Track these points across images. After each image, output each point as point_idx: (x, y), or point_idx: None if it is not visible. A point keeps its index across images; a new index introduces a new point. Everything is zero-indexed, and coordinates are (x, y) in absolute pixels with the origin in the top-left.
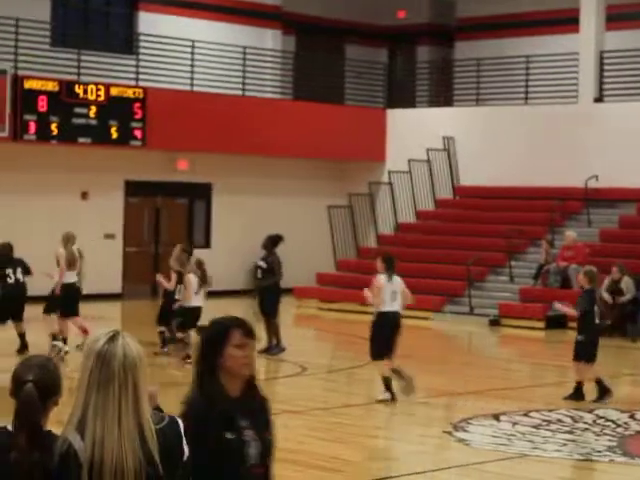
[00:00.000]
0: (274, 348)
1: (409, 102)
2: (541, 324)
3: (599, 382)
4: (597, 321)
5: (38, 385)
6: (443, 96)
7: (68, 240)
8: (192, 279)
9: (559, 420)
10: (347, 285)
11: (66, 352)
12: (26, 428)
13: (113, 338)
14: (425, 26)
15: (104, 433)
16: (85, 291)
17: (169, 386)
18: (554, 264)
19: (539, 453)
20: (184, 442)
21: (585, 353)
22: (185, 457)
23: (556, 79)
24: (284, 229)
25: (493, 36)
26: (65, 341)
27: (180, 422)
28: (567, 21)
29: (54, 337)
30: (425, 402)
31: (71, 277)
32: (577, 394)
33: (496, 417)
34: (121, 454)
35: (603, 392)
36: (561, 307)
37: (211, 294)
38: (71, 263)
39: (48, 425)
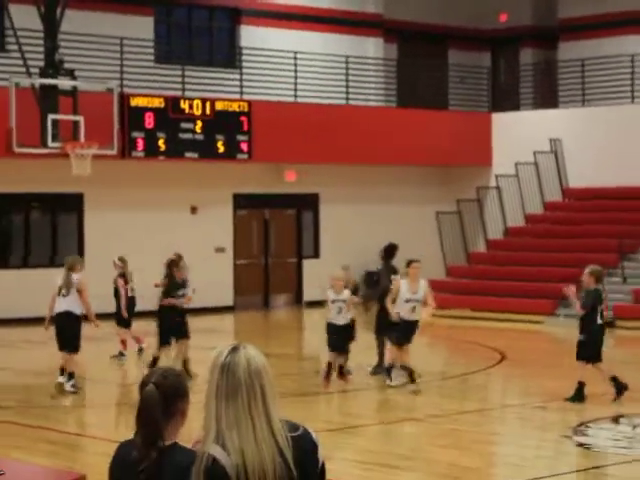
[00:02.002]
0: (378, 369)
1: (514, 105)
2: None
3: (614, 379)
4: (599, 321)
5: (159, 387)
6: (548, 98)
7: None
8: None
9: None
10: (458, 291)
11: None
12: (145, 427)
13: (235, 349)
14: (527, 28)
15: (242, 443)
16: (197, 304)
17: None
18: None
19: None
20: (319, 451)
21: (587, 353)
22: (319, 466)
23: None
24: (392, 237)
25: (596, 35)
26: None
27: (312, 431)
28: None
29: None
30: (541, 406)
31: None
32: (578, 395)
33: (615, 420)
34: (261, 462)
35: (620, 389)
36: (570, 293)
37: (320, 304)
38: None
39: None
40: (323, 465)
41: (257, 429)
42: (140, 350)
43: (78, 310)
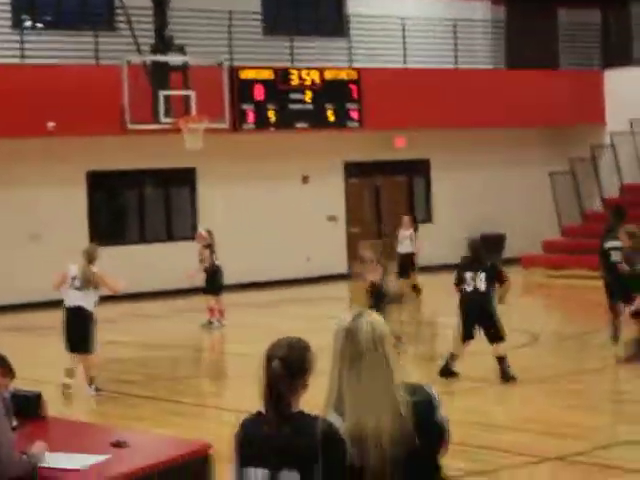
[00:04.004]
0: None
1: (626, 61)
2: None
3: None
4: None
5: (285, 362)
6: None
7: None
8: None
9: None
10: (574, 251)
11: None
12: (274, 403)
13: (359, 315)
14: None
15: (361, 406)
16: (312, 274)
17: None
18: None
19: None
20: (438, 413)
21: None
22: (439, 428)
23: None
24: (505, 200)
25: None
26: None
27: (434, 392)
28: None
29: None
30: None
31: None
32: None
33: None
34: (379, 427)
35: None
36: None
37: (435, 269)
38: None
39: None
40: (443, 427)
41: (378, 393)
42: (210, 323)
43: (91, 306)
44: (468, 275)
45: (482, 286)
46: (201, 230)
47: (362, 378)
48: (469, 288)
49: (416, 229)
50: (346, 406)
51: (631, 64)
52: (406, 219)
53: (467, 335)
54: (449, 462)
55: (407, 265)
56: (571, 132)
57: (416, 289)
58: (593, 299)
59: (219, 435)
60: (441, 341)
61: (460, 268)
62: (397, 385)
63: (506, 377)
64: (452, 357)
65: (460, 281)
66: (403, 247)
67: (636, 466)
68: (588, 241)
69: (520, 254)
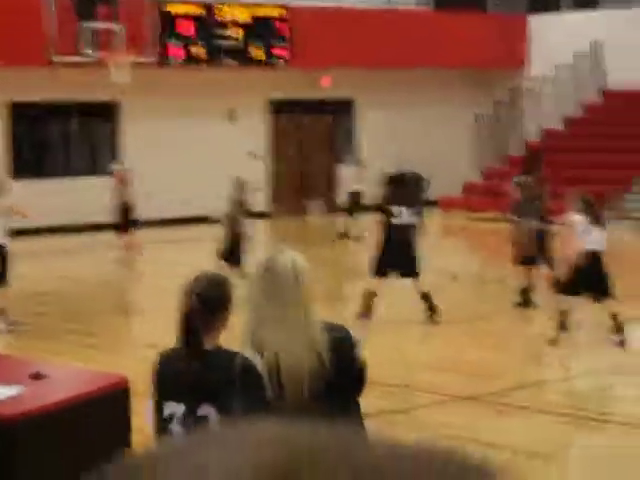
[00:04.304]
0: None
1: (553, 7)
2: None
3: None
4: None
5: (202, 297)
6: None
7: None
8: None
9: None
10: (493, 193)
11: None
12: (189, 338)
13: (278, 252)
14: None
15: (278, 339)
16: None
17: None
18: None
19: None
20: (356, 352)
21: None
22: (357, 366)
23: None
24: (429, 140)
25: None
26: None
27: (352, 332)
28: None
29: None
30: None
31: None
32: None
33: None
34: (296, 358)
35: None
36: None
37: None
38: None
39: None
40: (362, 367)
41: (296, 326)
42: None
43: (2, 239)
44: (397, 209)
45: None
46: (115, 168)
47: (280, 313)
48: (396, 221)
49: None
50: (264, 341)
51: (558, 9)
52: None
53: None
54: (365, 400)
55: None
56: (495, 75)
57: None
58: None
59: (136, 370)
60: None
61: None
62: (316, 321)
63: (433, 310)
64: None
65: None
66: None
67: (542, 407)
68: (508, 184)
69: (439, 197)
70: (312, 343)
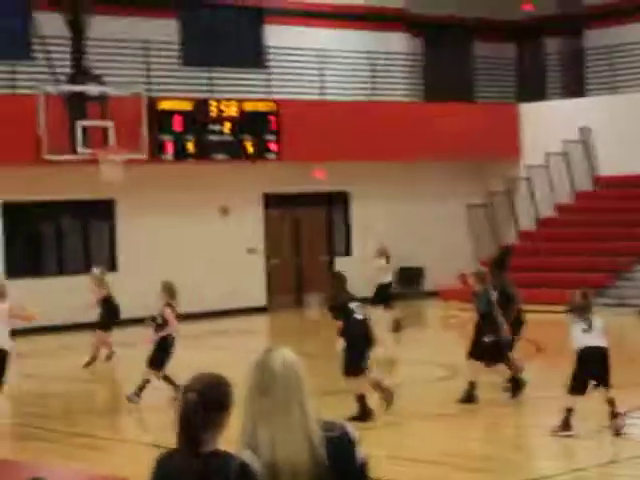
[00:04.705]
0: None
1: (541, 95)
2: None
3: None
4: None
5: (202, 397)
6: (575, 87)
7: None
8: None
9: None
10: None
11: None
12: (188, 439)
13: (271, 350)
14: (552, 17)
15: (275, 438)
16: (231, 306)
17: None
18: None
19: None
20: (357, 450)
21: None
22: (359, 465)
23: None
24: (424, 233)
25: (623, 22)
26: None
27: (351, 430)
28: None
29: None
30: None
31: None
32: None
33: None
34: (293, 457)
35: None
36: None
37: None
38: None
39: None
40: (363, 464)
41: (291, 424)
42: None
43: (7, 344)
44: (354, 305)
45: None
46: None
47: (275, 413)
48: (359, 317)
49: (387, 259)
50: (259, 442)
51: (545, 98)
52: (378, 249)
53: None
54: None
55: (387, 295)
56: (488, 165)
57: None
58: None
59: (136, 470)
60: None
61: (345, 300)
62: (312, 420)
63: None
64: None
65: (349, 311)
66: (380, 277)
67: None
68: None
69: (439, 287)
70: (308, 441)
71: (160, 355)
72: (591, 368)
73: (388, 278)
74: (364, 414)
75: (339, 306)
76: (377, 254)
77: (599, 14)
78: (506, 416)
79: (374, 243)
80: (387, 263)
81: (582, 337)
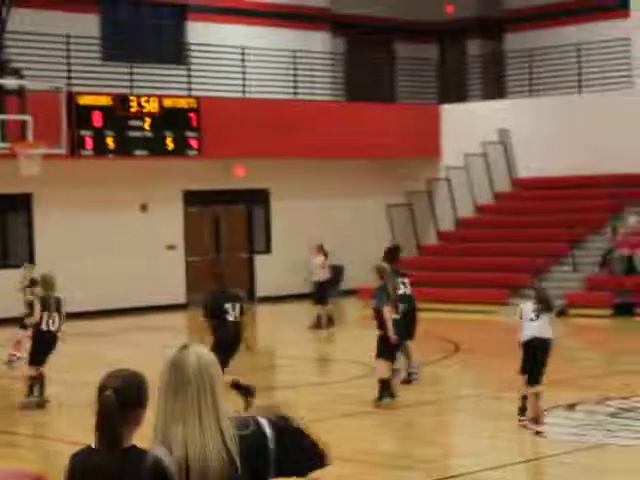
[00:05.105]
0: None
1: (462, 97)
2: (608, 312)
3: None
4: (394, 315)
5: (118, 393)
6: (496, 89)
7: None
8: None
9: (635, 408)
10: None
11: None
12: (104, 435)
13: (184, 347)
14: (473, 20)
15: (186, 437)
16: (150, 303)
17: None
18: (618, 251)
19: (616, 442)
20: (270, 448)
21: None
22: (271, 463)
23: (609, 66)
24: (343, 231)
25: (542, 26)
26: None
27: (267, 428)
28: (616, 7)
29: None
30: (496, 396)
31: None
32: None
33: (571, 407)
34: (205, 457)
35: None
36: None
37: (274, 300)
38: None
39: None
40: (277, 462)
41: (204, 424)
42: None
43: None
44: (228, 306)
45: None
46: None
47: (186, 412)
48: (230, 318)
49: (326, 256)
50: (172, 438)
51: (466, 99)
52: (316, 246)
53: (224, 364)
54: None
55: (323, 292)
56: (408, 165)
57: (330, 318)
58: (429, 330)
59: (51, 466)
60: (280, 371)
61: (219, 299)
62: (223, 419)
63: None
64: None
65: (221, 312)
66: (316, 275)
67: None
68: (423, 274)
69: (358, 286)
70: (219, 440)
71: (36, 350)
72: (532, 358)
73: (326, 275)
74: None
75: (212, 306)
76: (315, 251)
77: (518, 18)
78: (421, 415)
79: (301, 241)
80: (325, 260)
81: (529, 326)
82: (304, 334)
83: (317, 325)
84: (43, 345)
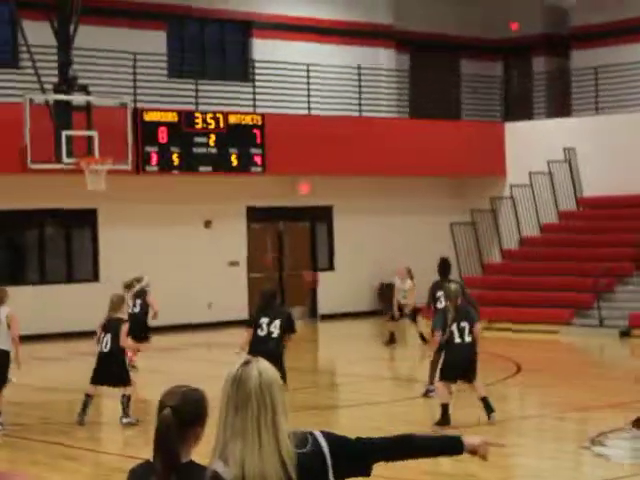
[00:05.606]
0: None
1: (527, 114)
2: None
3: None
4: (458, 340)
5: (176, 411)
6: (561, 107)
7: None
8: None
9: None
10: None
11: None
12: (162, 452)
13: (247, 363)
14: (539, 37)
15: (245, 454)
16: (213, 319)
17: None
18: None
19: None
20: (328, 465)
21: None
22: (330, 479)
23: None
24: (407, 249)
25: (610, 43)
26: None
27: (324, 442)
28: None
29: None
30: (560, 417)
31: None
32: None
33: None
34: (262, 475)
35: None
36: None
37: (335, 317)
38: None
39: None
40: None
41: (263, 441)
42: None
43: (6, 345)
44: (264, 320)
45: (275, 332)
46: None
47: (246, 429)
48: (262, 333)
49: (412, 278)
50: (230, 454)
51: (532, 117)
52: (405, 269)
53: None
54: None
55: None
56: (473, 183)
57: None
58: (488, 349)
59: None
60: (343, 389)
61: (256, 313)
62: (283, 437)
63: None
64: None
65: (256, 325)
66: (410, 299)
67: None
68: (487, 292)
69: (421, 304)
70: (278, 458)
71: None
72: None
73: (413, 299)
74: None
75: (251, 321)
76: (403, 275)
77: (585, 35)
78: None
79: (364, 258)
80: (413, 282)
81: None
82: (368, 351)
83: (391, 341)
84: (99, 365)
